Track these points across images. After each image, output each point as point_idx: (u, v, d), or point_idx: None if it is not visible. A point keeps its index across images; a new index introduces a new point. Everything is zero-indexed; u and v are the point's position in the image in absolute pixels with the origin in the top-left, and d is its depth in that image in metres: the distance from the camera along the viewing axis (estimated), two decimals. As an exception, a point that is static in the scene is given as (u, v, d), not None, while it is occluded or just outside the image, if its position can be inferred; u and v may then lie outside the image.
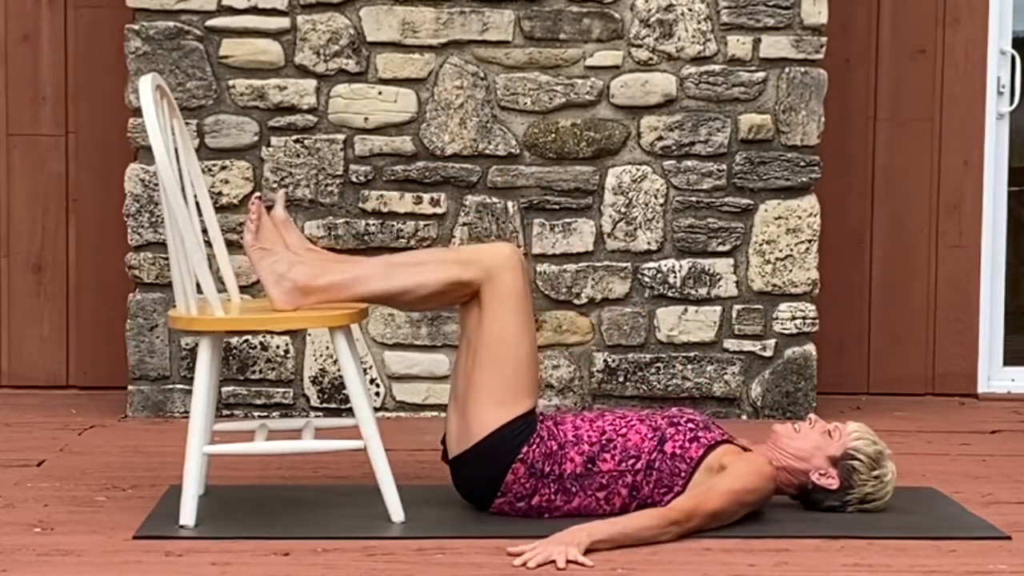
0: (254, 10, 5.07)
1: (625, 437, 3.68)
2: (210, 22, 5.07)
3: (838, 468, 3.72)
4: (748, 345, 5.17)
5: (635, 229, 5.13)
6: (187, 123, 4.96)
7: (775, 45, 5.12)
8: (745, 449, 3.72)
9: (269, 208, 3.76)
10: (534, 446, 3.63)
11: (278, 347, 5.12)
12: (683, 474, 3.63)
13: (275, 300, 3.63)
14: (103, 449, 4.56)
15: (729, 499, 3.55)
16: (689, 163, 5.14)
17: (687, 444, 3.65)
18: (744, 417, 5.16)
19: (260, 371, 5.12)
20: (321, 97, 5.10)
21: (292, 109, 5.09)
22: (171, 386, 5.12)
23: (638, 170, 5.13)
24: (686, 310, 5.15)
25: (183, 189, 3.64)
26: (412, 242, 5.05)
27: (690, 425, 3.70)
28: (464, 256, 3.68)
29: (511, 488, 3.64)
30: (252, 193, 5.08)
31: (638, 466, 3.64)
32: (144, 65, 5.04)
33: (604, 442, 3.67)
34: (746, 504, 3.60)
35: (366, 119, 5.10)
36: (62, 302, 5.55)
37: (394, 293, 3.66)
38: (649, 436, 3.67)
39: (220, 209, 5.00)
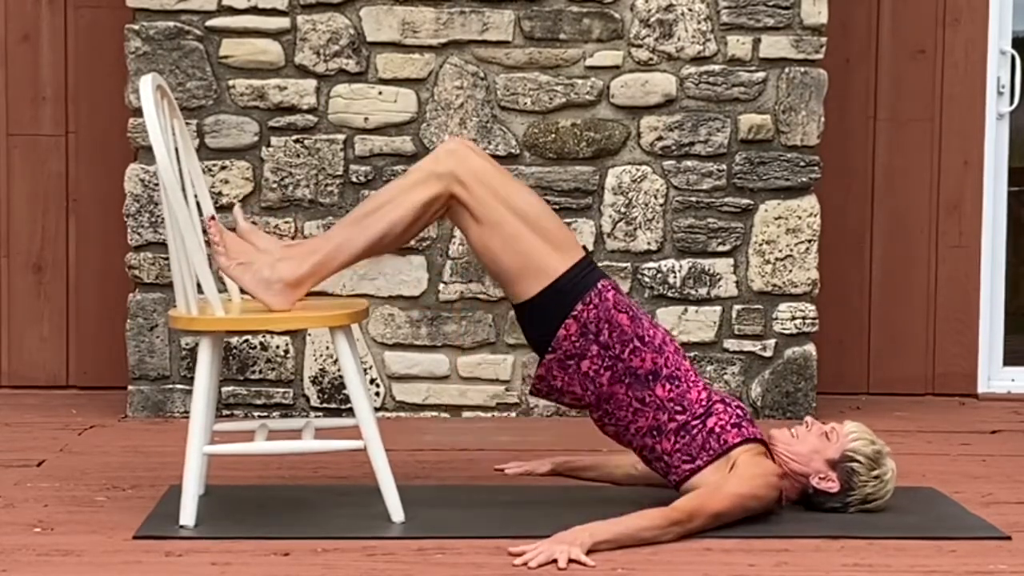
0: (254, 10, 5.07)
1: (688, 386, 3.70)
2: (210, 22, 5.07)
3: (837, 471, 3.71)
4: (748, 345, 5.17)
5: (635, 229, 5.13)
6: (187, 123, 4.96)
7: (775, 45, 5.12)
8: (766, 455, 3.71)
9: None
10: (590, 305, 3.63)
11: (278, 347, 5.12)
12: (711, 452, 3.64)
13: (270, 304, 3.63)
14: (103, 449, 4.56)
15: (733, 503, 3.55)
16: (689, 163, 5.14)
17: (728, 427, 3.67)
18: (744, 417, 5.16)
19: (260, 371, 5.12)
20: (321, 97, 5.10)
21: (292, 109, 5.09)
22: (171, 386, 5.12)
23: (638, 170, 5.13)
24: (686, 310, 5.15)
25: (183, 189, 3.64)
26: (412, 242, 5.05)
27: (739, 411, 3.72)
28: (421, 175, 3.65)
29: (562, 344, 3.64)
30: (251, 194, 5.08)
31: (678, 419, 3.67)
32: (144, 65, 5.04)
33: (675, 375, 3.68)
34: (748, 509, 3.60)
35: (366, 119, 5.10)
36: (62, 302, 5.55)
37: (375, 242, 3.65)
38: (703, 401, 3.69)
39: (220, 209, 5.00)
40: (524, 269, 3.64)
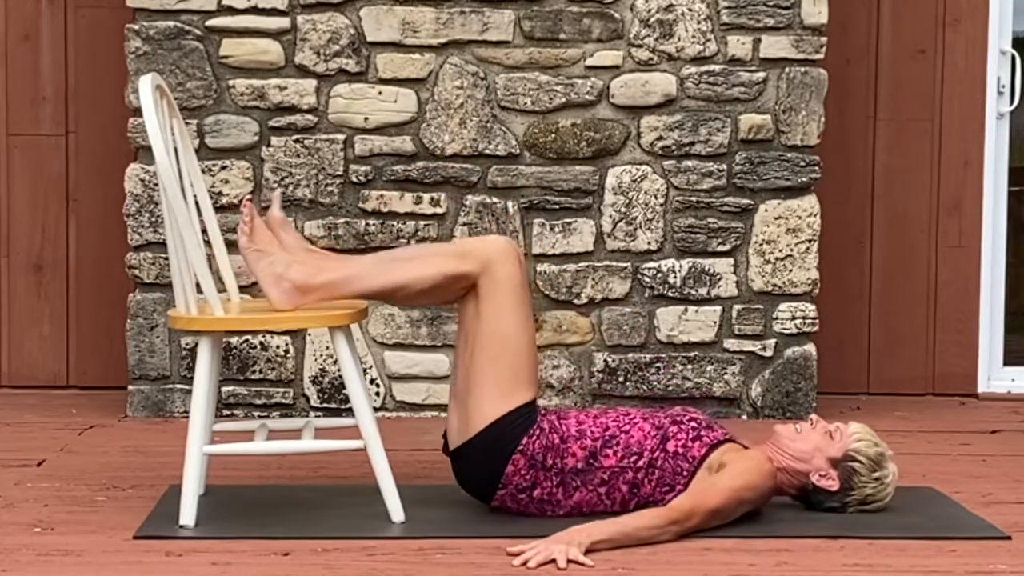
0: (254, 10, 5.07)
1: (628, 434, 3.67)
2: (210, 22, 5.07)
3: (838, 469, 3.71)
4: (748, 345, 5.17)
5: (635, 229, 5.13)
6: (187, 123, 4.96)
7: (775, 45, 5.12)
8: (745, 448, 3.72)
9: (267, 208, 3.76)
10: (534, 437, 3.62)
11: (278, 347, 5.12)
12: (685, 473, 3.63)
13: (274, 300, 3.64)
14: (103, 449, 4.56)
15: (728, 496, 3.55)
16: (689, 163, 5.14)
17: (690, 443, 3.65)
18: (744, 417, 5.16)
19: (260, 371, 5.12)
20: (321, 97, 5.10)
21: (292, 109, 5.09)
22: (171, 386, 5.12)
23: (638, 170, 5.13)
24: (686, 310, 5.15)
25: (183, 189, 3.64)
26: (412, 242, 5.05)
27: (693, 424, 3.70)
28: (461, 249, 3.68)
29: (512, 480, 3.64)
30: (252, 193, 5.08)
31: (640, 463, 3.64)
32: (144, 65, 5.04)
33: (607, 438, 3.67)
34: (745, 501, 3.60)
35: (366, 119, 5.10)
36: (62, 302, 5.55)
37: (391, 288, 3.66)
38: (652, 434, 3.67)
39: (220, 209, 4.99)
40: (494, 380, 3.61)
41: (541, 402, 5.07)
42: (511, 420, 3.62)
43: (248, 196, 3.76)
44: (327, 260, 3.71)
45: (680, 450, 3.65)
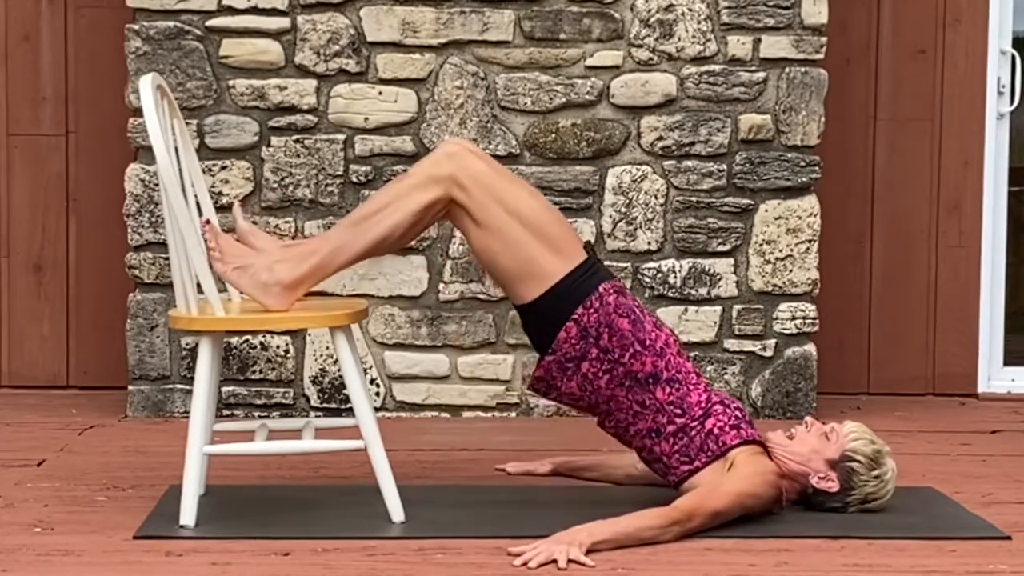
0: (254, 10, 5.07)
1: (689, 391, 3.69)
2: (210, 22, 5.07)
3: (837, 470, 3.71)
4: (748, 345, 5.17)
5: (635, 229, 5.13)
6: (187, 123, 4.96)
7: (775, 45, 5.12)
8: (767, 455, 3.71)
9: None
10: (591, 309, 3.63)
11: (278, 347, 5.12)
12: (709, 453, 3.64)
13: (270, 306, 3.63)
14: (103, 449, 4.56)
15: (732, 501, 3.55)
16: (689, 163, 5.14)
17: (727, 429, 3.67)
18: (744, 417, 5.16)
19: (260, 371, 5.12)
20: (321, 97, 5.10)
21: (292, 109, 5.09)
22: (171, 386, 5.12)
23: (638, 170, 5.13)
24: (686, 310, 5.15)
25: (183, 189, 3.64)
26: (412, 242, 5.05)
27: (738, 413, 3.72)
28: (420, 179, 3.63)
29: (562, 346, 3.65)
30: (251, 194, 5.08)
31: (677, 421, 3.66)
32: (144, 65, 5.04)
33: (676, 378, 3.68)
34: (747, 508, 3.60)
35: (366, 119, 5.10)
36: (62, 302, 5.55)
37: (374, 245, 3.64)
38: (702, 404, 3.69)
39: (220, 209, 4.99)
40: (525, 273, 3.63)
41: (541, 401, 5.07)
42: (569, 283, 3.62)
43: (204, 218, 3.73)
44: (304, 247, 3.69)
45: (716, 431, 3.66)
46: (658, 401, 3.67)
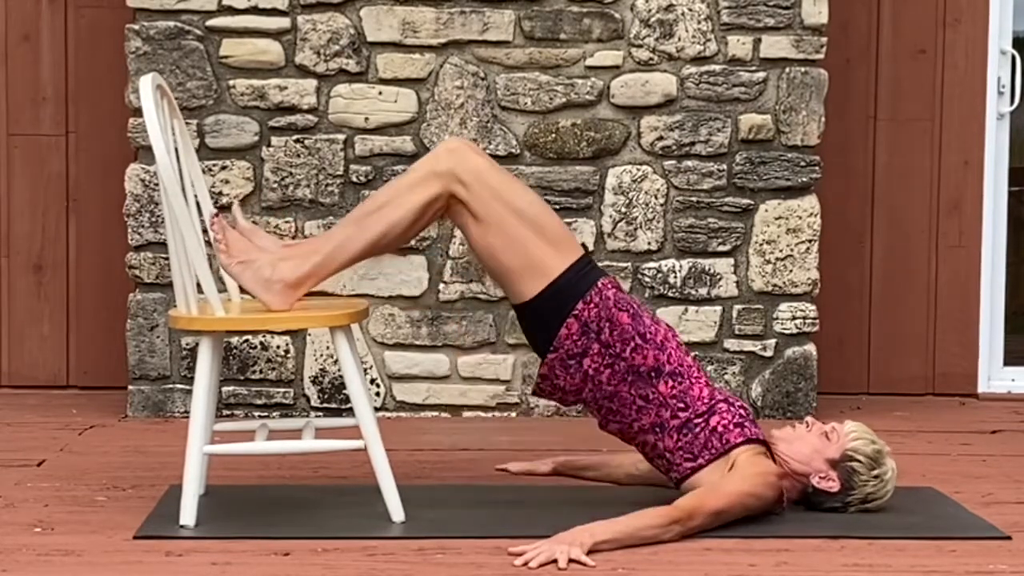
0: (254, 10, 5.07)
1: (691, 384, 3.69)
2: (210, 22, 5.07)
3: (838, 470, 3.71)
4: (748, 345, 5.17)
5: (635, 229, 5.13)
6: (187, 123, 4.96)
7: (775, 45, 5.12)
8: (770, 455, 3.71)
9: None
10: (591, 304, 3.64)
11: (278, 347, 5.12)
12: (713, 451, 3.63)
13: (270, 304, 3.63)
14: (103, 449, 4.56)
15: (732, 500, 3.55)
16: (689, 163, 5.14)
17: (731, 427, 3.66)
18: (744, 417, 5.16)
19: (260, 371, 5.12)
20: (321, 97, 5.10)
21: (292, 109, 5.09)
22: (171, 386, 5.12)
23: (638, 170, 5.13)
24: (686, 310, 5.16)
25: (183, 189, 3.64)
26: (412, 242, 5.05)
27: (742, 411, 3.71)
28: (420, 175, 3.64)
29: (564, 343, 3.65)
30: (252, 194, 5.08)
31: (681, 416, 3.66)
32: (144, 65, 5.04)
33: (678, 371, 3.68)
34: (749, 508, 3.59)
35: (366, 119, 5.10)
36: (62, 302, 5.55)
37: (376, 242, 3.64)
38: (705, 400, 3.69)
39: (220, 209, 4.99)
40: (524, 268, 3.64)
41: (542, 401, 5.07)
42: (568, 278, 3.63)
43: (214, 211, 3.74)
44: (306, 245, 3.70)
45: (720, 429, 3.65)
46: (661, 395, 3.67)
